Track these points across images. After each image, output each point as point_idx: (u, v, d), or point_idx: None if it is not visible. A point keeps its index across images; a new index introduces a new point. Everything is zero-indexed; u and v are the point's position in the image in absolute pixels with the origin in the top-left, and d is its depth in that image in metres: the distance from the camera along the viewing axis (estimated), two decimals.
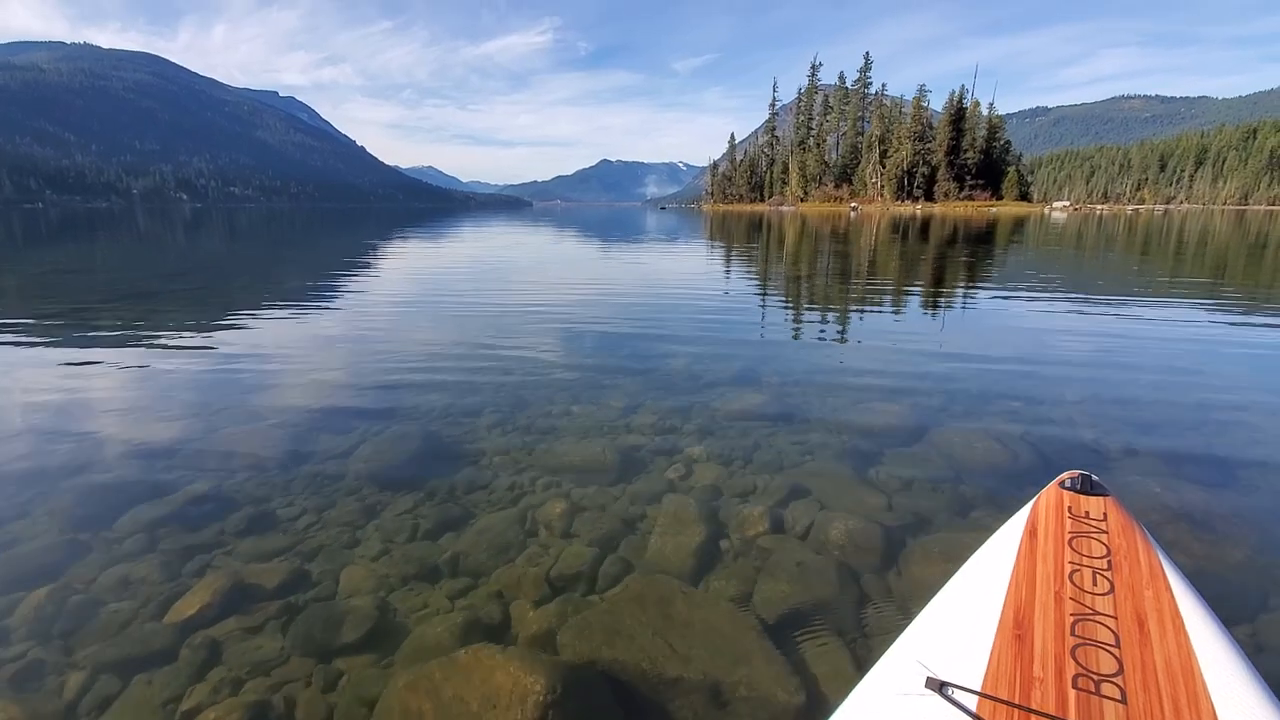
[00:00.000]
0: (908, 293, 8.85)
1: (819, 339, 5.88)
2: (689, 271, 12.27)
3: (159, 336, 5.89)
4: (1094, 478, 1.58)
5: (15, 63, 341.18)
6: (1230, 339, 5.70)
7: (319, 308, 7.64)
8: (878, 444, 3.12)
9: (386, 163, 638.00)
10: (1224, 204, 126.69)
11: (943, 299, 8.31)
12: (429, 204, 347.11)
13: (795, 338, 5.96)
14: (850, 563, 2.22)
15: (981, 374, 4.39)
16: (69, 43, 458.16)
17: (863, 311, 7.31)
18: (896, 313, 7.23)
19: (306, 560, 2.38)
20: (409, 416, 3.71)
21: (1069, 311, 7.18)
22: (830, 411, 3.58)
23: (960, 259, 14.20)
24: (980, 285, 9.64)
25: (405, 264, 13.96)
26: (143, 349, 5.38)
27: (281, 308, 7.63)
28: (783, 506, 2.61)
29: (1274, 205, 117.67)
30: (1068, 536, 1.38)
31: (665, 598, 2.09)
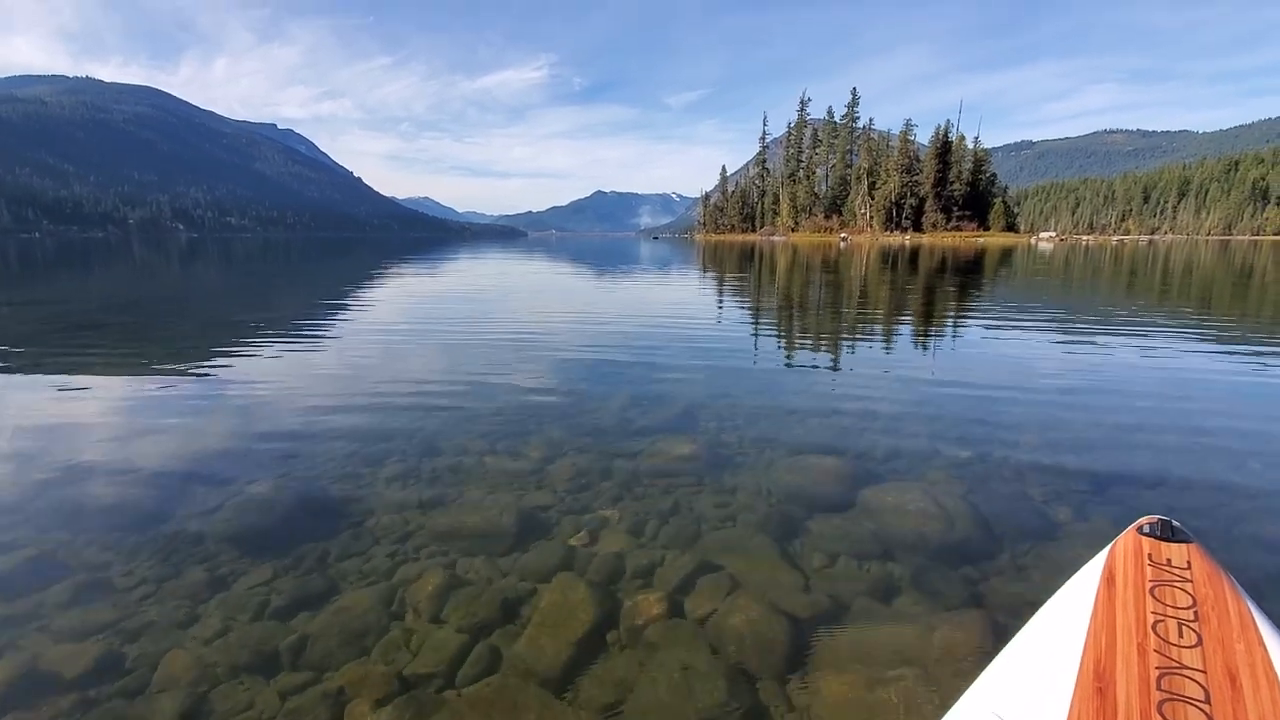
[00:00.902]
0: (880, 325, 8.57)
1: (772, 376, 5.53)
2: (663, 300, 11.90)
3: (58, 375, 5.50)
4: (1175, 523, 1.47)
5: (18, 95, 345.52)
6: (1221, 373, 5.40)
7: (248, 340, 7.29)
8: (807, 507, 2.79)
9: (383, 194, 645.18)
10: (1208, 234, 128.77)
11: (916, 331, 8.03)
12: (425, 234, 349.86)
13: (747, 375, 5.57)
14: (747, 666, 1.87)
15: (935, 417, 4.06)
16: (71, 76, 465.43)
17: (828, 345, 7.01)
18: (861, 346, 6.92)
19: (127, 641, 2.05)
20: (303, 465, 3.37)
21: (1045, 344, 6.86)
22: (764, 465, 3.25)
23: (948, 288, 13.99)
24: (963, 316, 9.39)
25: (368, 292, 13.58)
26: (31, 391, 4.99)
27: (210, 341, 7.32)
28: (686, 589, 2.27)
29: (1258, 236, 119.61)
30: (1149, 585, 1.29)
31: (517, 709, 1.75)
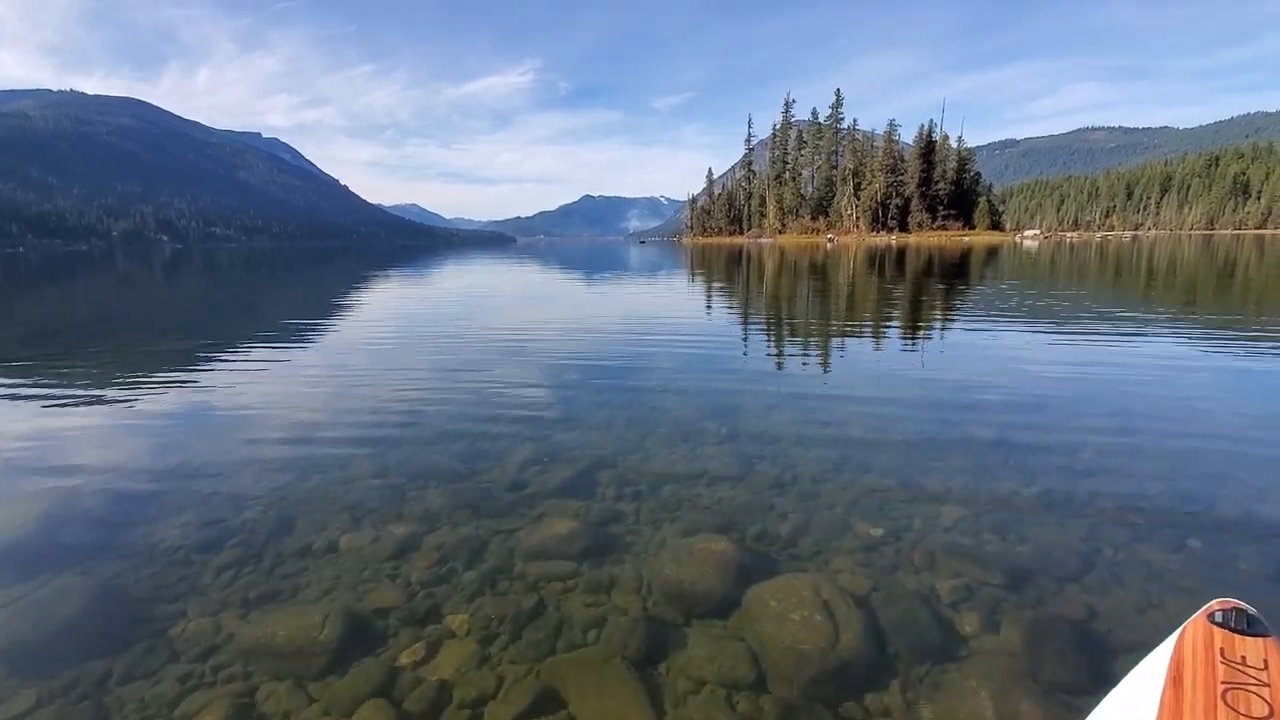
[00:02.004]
0: (850, 344, 8.19)
1: (698, 421, 4.65)
2: (633, 315, 11.34)
3: None
4: (1250, 612, 1.30)
5: (2, 110, 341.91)
6: (1192, 397, 5.00)
7: (138, 375, 6.81)
8: (685, 610, 2.38)
9: (370, 201, 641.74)
10: (1190, 229, 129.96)
11: (886, 350, 7.64)
12: (413, 241, 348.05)
13: (670, 420, 4.71)
14: None
15: (856, 478, 3.49)
16: (55, 90, 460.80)
17: (783, 374, 6.60)
18: (818, 374, 6.52)
19: None
20: (124, 549, 2.94)
21: (1009, 364, 6.47)
22: (654, 548, 2.84)
23: (933, 294, 13.63)
24: (945, 328, 9.01)
25: (319, 311, 12.89)
26: None
27: (100, 376, 6.80)
28: None
29: (1239, 229, 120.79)
30: (1220, 688, 1.14)
31: None
